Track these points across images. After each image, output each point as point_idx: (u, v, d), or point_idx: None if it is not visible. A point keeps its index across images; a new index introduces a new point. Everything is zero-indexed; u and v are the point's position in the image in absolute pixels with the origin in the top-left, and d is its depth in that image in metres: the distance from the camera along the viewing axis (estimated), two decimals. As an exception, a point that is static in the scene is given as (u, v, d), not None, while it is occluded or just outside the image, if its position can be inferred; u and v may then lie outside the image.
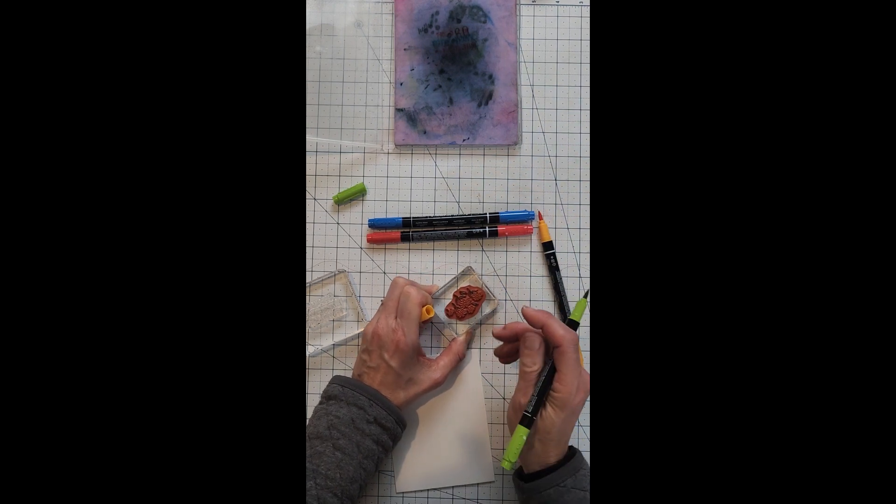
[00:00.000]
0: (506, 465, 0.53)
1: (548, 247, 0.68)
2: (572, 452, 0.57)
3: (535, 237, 0.69)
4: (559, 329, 0.54)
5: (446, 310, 0.67)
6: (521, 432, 0.54)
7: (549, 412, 0.54)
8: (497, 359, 0.62)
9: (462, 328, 0.67)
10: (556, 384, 0.54)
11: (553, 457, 0.55)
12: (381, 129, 0.70)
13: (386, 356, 0.61)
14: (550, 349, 0.55)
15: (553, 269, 0.68)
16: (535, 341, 0.56)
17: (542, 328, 0.55)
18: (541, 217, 0.69)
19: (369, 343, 0.62)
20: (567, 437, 0.56)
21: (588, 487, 0.55)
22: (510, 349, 0.61)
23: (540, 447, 0.55)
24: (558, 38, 0.70)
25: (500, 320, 0.68)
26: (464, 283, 0.68)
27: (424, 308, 0.63)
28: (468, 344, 0.68)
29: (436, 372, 0.64)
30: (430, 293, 0.67)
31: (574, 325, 0.56)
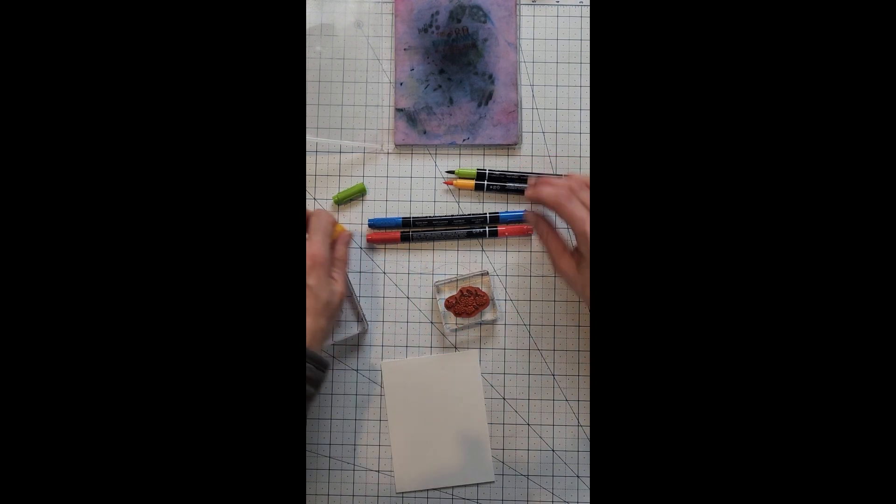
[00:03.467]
0: None
1: (547, 247, 0.68)
2: None
3: (534, 237, 0.69)
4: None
5: (447, 301, 0.67)
6: None
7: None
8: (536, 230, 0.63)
9: (452, 320, 0.67)
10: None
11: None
12: (381, 129, 0.70)
13: (308, 280, 0.58)
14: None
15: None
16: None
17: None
18: (540, 217, 0.69)
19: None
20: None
21: None
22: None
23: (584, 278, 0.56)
24: (558, 38, 0.70)
25: (498, 328, 0.68)
26: (475, 284, 0.68)
27: (336, 226, 0.63)
28: (348, 243, 0.65)
29: (337, 284, 0.61)
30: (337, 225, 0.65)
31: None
